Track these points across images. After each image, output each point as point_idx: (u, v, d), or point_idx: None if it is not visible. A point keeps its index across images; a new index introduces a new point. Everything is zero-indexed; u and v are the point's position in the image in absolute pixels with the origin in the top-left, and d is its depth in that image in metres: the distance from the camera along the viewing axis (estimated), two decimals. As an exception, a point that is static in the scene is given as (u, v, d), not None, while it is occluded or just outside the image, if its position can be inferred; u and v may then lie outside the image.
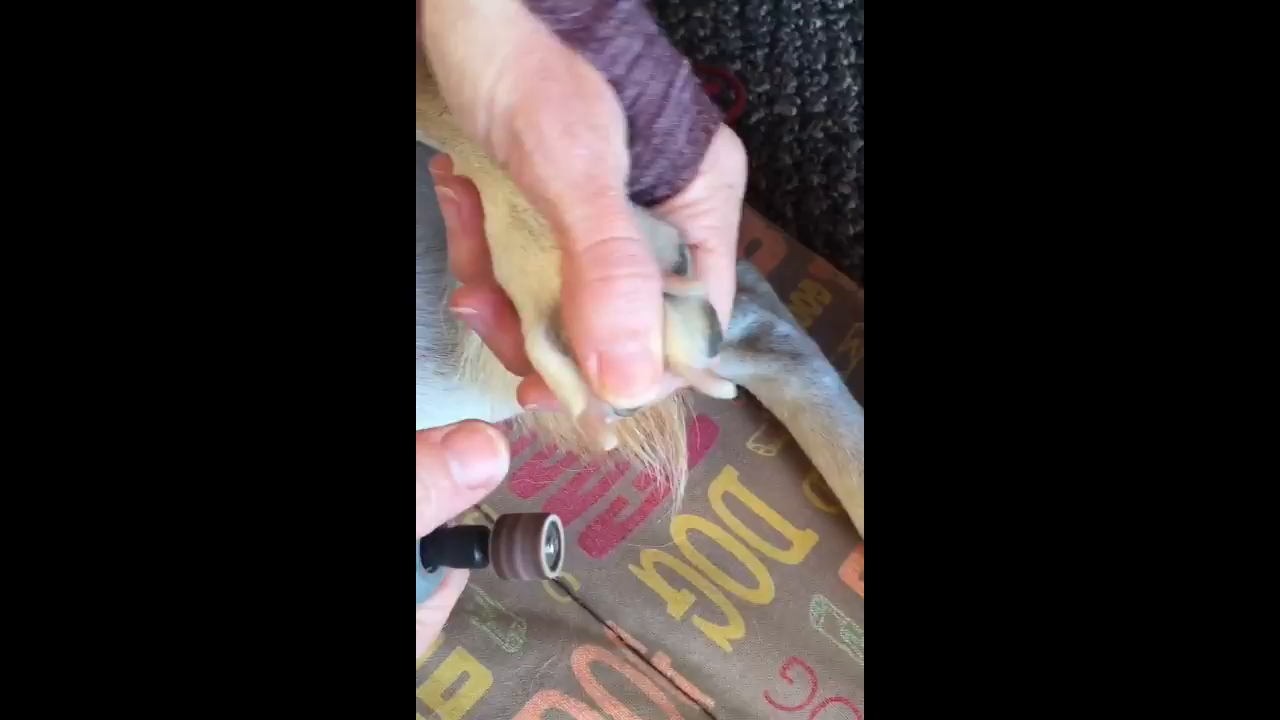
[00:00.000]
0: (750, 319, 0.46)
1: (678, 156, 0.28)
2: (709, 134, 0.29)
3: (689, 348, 0.27)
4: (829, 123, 0.62)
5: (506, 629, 0.40)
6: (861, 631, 0.42)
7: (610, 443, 0.28)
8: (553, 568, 0.27)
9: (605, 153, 0.26)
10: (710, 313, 0.28)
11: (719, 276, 0.30)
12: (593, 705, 0.38)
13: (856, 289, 0.52)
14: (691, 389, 0.30)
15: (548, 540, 0.27)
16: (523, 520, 0.27)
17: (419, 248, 0.44)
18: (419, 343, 0.43)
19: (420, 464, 0.25)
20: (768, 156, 0.61)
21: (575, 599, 0.42)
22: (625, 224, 0.26)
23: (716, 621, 0.42)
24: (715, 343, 0.28)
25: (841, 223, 0.58)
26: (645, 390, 0.27)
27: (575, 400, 0.29)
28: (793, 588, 0.43)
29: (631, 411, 0.28)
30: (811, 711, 0.40)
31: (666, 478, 0.41)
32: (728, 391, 0.28)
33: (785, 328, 0.46)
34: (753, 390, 0.46)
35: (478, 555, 0.27)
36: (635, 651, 0.41)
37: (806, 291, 0.52)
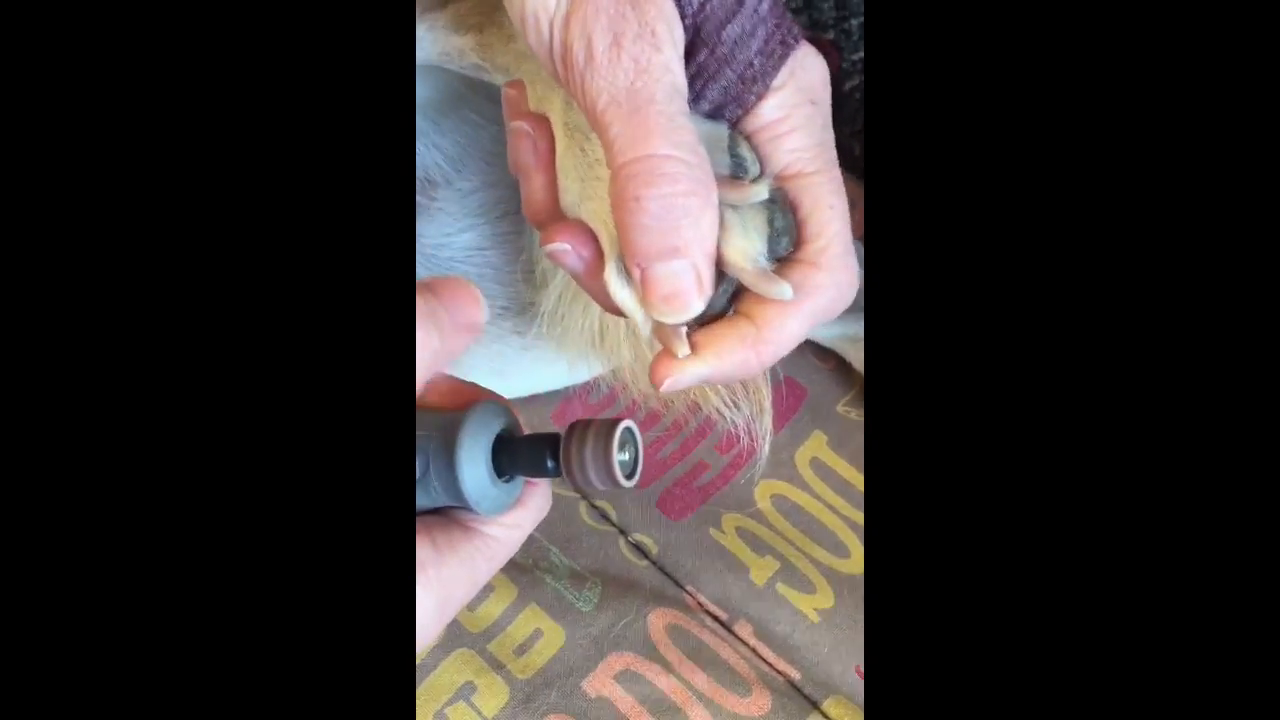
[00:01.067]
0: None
1: (746, 69, 0.27)
2: (786, 48, 0.27)
3: (744, 248, 0.26)
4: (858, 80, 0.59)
5: (581, 588, 0.39)
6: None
7: (683, 351, 0.26)
8: (629, 476, 0.26)
9: (652, 62, 0.25)
10: (771, 207, 0.26)
11: (815, 197, 0.27)
12: (669, 669, 0.37)
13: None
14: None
15: (621, 446, 0.25)
16: (595, 425, 0.25)
17: (497, 210, 0.44)
18: (496, 302, 0.43)
19: (420, 309, 0.24)
20: (863, 123, 0.58)
21: (653, 562, 0.40)
22: (662, 139, 0.25)
23: (803, 590, 0.39)
24: (777, 242, 0.26)
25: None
26: (686, 306, 0.26)
27: (642, 323, 0.27)
28: (887, 558, 0.40)
29: (710, 311, 0.26)
30: (907, 689, 0.37)
31: (751, 437, 0.39)
32: (785, 293, 0.26)
33: (877, 284, 0.44)
34: (840, 351, 0.44)
35: (550, 463, 0.26)
36: (715, 618, 0.39)
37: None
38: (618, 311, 0.28)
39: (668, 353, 0.27)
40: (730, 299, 0.27)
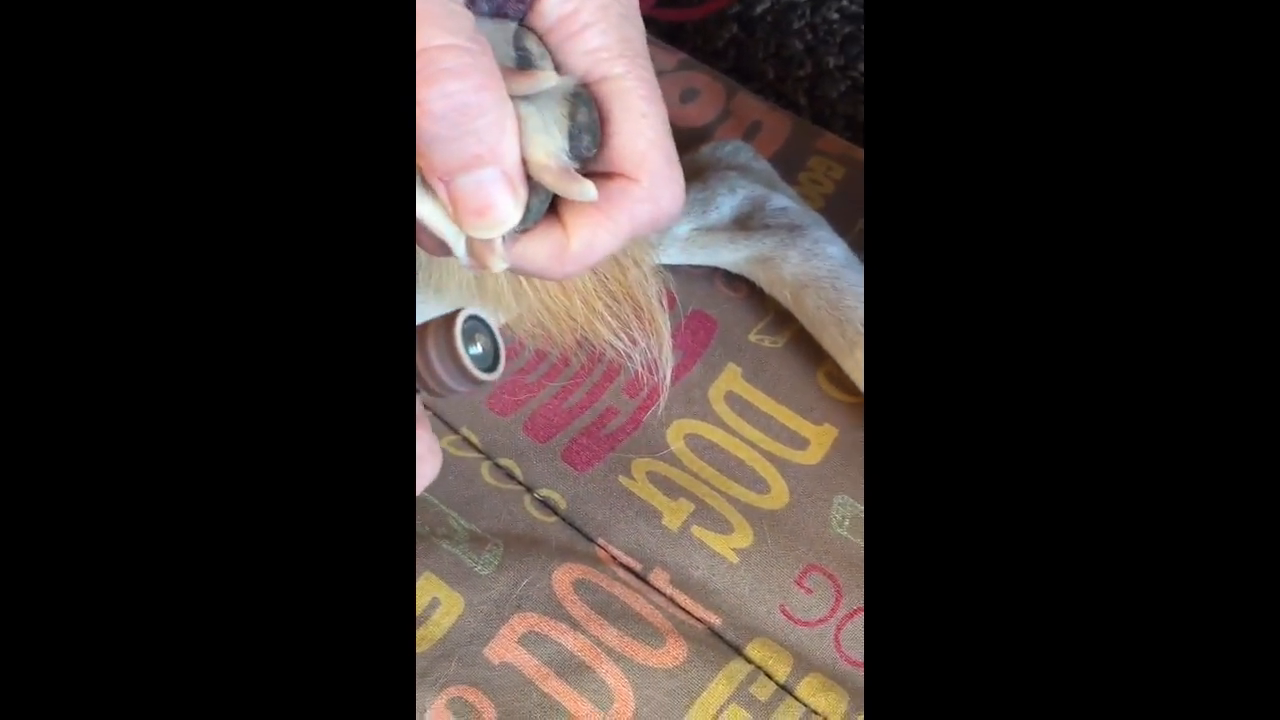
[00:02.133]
0: (739, 196, 0.41)
1: None
2: None
3: (545, 144, 0.23)
4: (845, 1, 0.56)
5: (480, 551, 0.36)
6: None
7: (500, 265, 0.24)
8: (489, 370, 0.23)
9: None
10: (573, 100, 0.24)
11: (624, 104, 0.24)
12: (576, 626, 0.34)
13: (875, 162, 0.46)
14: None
15: (469, 338, 0.23)
16: (432, 324, 0.23)
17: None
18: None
19: None
20: (776, 45, 0.55)
21: (561, 517, 0.38)
22: (436, 27, 0.22)
23: (719, 530, 0.36)
24: (579, 139, 0.24)
25: (863, 103, 0.52)
26: (503, 218, 0.23)
27: (454, 240, 0.25)
28: (810, 489, 0.37)
29: (523, 222, 0.24)
30: (837, 625, 0.34)
31: (650, 369, 0.37)
32: (589, 193, 0.23)
33: (781, 200, 0.41)
34: (750, 276, 0.41)
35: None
36: (629, 570, 0.36)
37: (815, 169, 0.46)
38: (440, 249, 0.25)
39: (480, 265, 0.24)
40: (543, 209, 0.25)
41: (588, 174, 0.25)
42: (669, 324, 0.37)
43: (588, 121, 0.24)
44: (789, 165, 0.45)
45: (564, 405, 0.40)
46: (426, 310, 0.39)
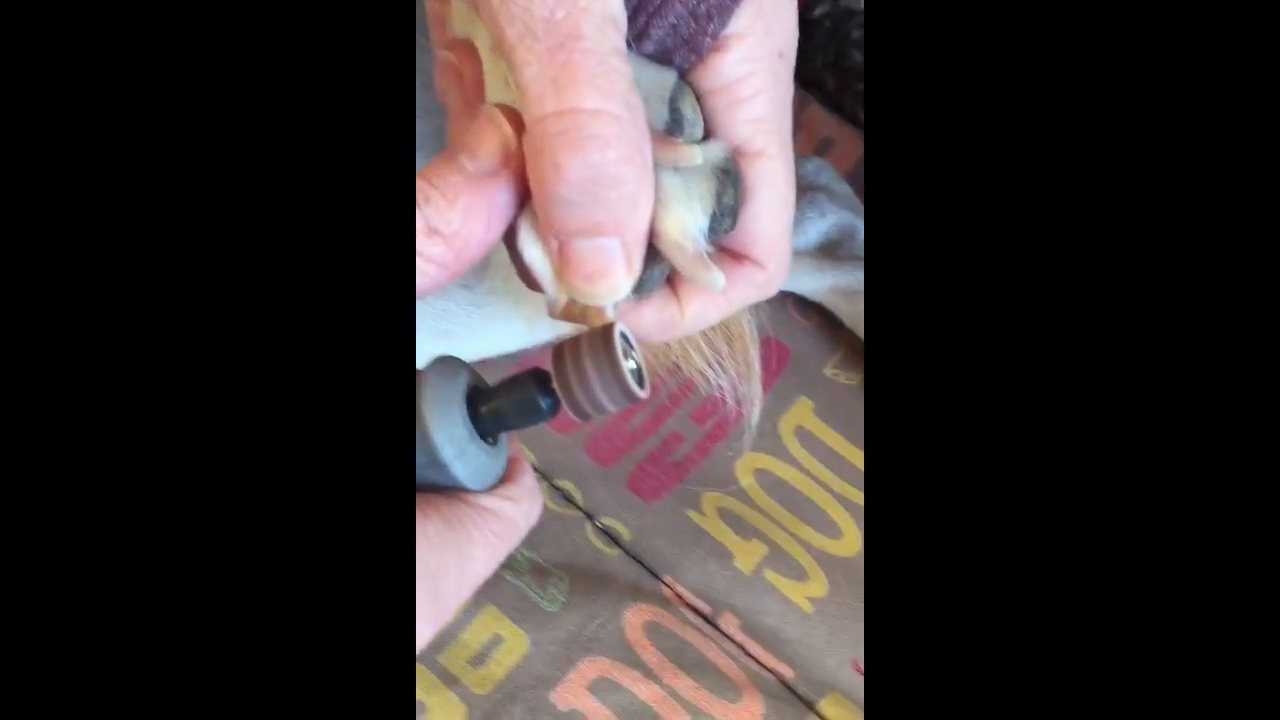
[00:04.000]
0: (829, 221, 0.39)
1: (699, 2, 0.21)
2: None
3: (684, 222, 0.21)
4: (903, 15, 0.55)
5: (545, 584, 0.34)
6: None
7: (608, 315, 0.22)
8: (640, 385, 0.21)
9: None
10: (725, 179, 0.22)
11: (770, 186, 0.23)
12: (649, 675, 0.32)
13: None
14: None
15: (624, 354, 0.21)
16: (585, 338, 0.21)
17: (438, 143, 0.38)
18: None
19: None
20: (835, 54, 0.53)
21: (625, 550, 0.35)
22: (590, 88, 0.19)
23: (794, 577, 0.35)
24: (720, 221, 0.22)
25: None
26: (613, 289, 0.21)
27: (551, 293, 0.22)
28: (882, 538, 0.36)
29: (638, 291, 0.22)
30: (909, 683, 0.33)
31: (737, 402, 0.35)
32: (718, 284, 0.22)
33: (871, 232, 0.39)
34: (830, 306, 0.39)
35: (544, 402, 0.21)
36: (697, 612, 0.34)
37: (888, 197, 0.44)
38: (526, 280, 0.23)
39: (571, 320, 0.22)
40: (663, 279, 0.23)
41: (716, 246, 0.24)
42: (759, 355, 0.35)
43: (733, 204, 0.23)
44: (859, 188, 0.44)
45: (627, 426, 0.38)
46: (500, 319, 0.36)
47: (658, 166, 0.21)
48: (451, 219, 0.20)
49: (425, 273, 0.20)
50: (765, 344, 0.39)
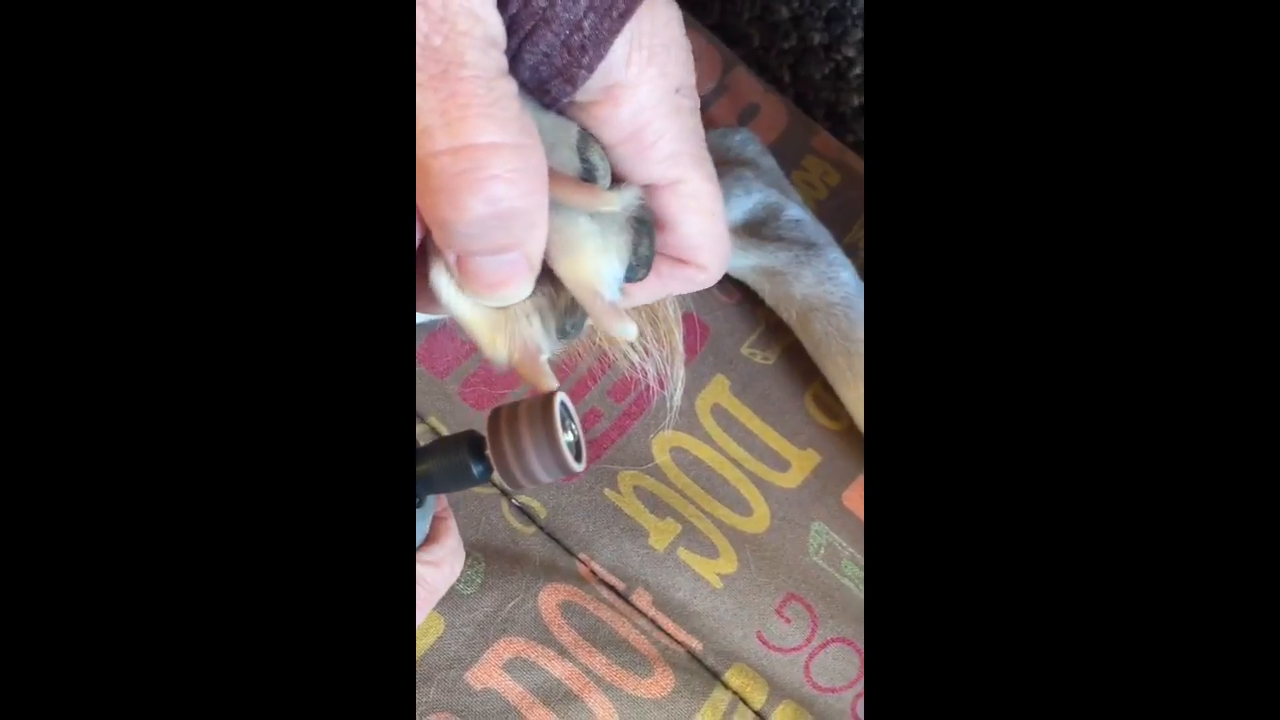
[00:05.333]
0: (755, 199, 0.39)
1: (573, 32, 0.20)
2: (629, 4, 0.20)
3: (598, 271, 0.21)
4: (832, -29, 0.54)
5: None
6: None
7: (551, 383, 0.22)
8: (578, 458, 0.22)
9: (452, 9, 0.18)
10: (641, 228, 0.22)
11: (694, 206, 0.23)
12: (563, 653, 0.33)
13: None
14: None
15: (563, 425, 0.21)
16: (524, 407, 0.21)
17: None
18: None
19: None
20: (762, 8, 0.52)
21: (541, 528, 0.36)
22: (484, 119, 0.19)
23: (705, 554, 0.36)
24: (637, 269, 0.22)
25: (845, 91, 0.51)
26: (516, 294, 0.21)
27: (493, 344, 0.22)
28: (790, 515, 0.38)
29: (565, 336, 0.23)
30: (810, 654, 0.35)
31: (660, 383, 0.35)
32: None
33: (796, 211, 0.39)
34: (754, 286, 0.39)
35: (476, 469, 0.21)
36: (611, 588, 0.35)
37: (811, 170, 0.44)
38: (424, 308, 0.23)
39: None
40: (586, 325, 0.23)
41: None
42: (683, 335, 0.35)
43: (648, 255, 0.22)
44: (783, 160, 0.43)
45: (545, 402, 0.38)
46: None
47: (574, 212, 0.21)
48: None
49: None
50: (686, 321, 0.39)
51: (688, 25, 0.48)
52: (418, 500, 0.21)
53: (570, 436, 0.21)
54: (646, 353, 0.34)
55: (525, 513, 0.36)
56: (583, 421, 0.38)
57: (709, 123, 0.44)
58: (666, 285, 0.25)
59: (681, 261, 0.24)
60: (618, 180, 0.23)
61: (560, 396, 0.21)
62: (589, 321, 0.23)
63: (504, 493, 0.36)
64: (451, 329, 0.37)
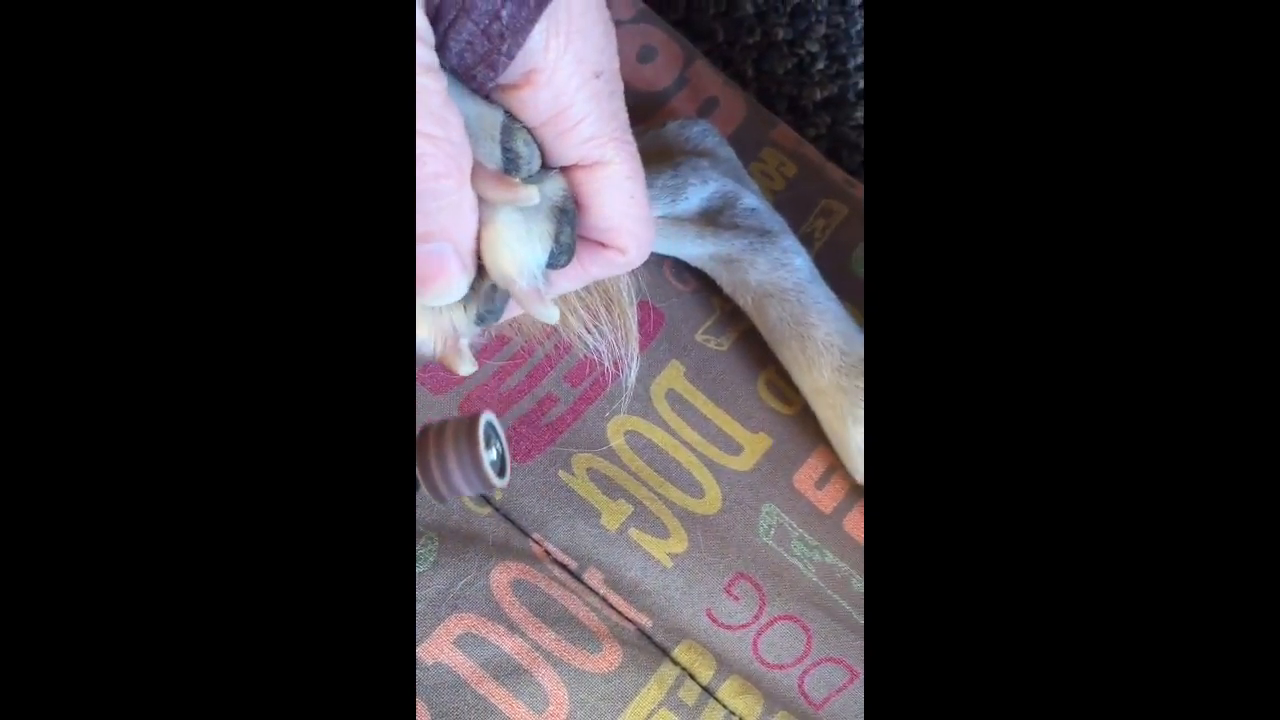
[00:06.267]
0: (711, 188, 0.40)
1: (491, 21, 0.21)
2: None
3: (521, 258, 0.22)
4: (796, -34, 0.54)
5: (416, 546, 0.35)
6: (815, 544, 0.38)
7: (470, 368, 0.23)
8: (500, 474, 0.23)
9: None
10: (562, 217, 0.23)
11: (612, 189, 0.24)
12: (514, 629, 0.34)
13: (823, 162, 0.46)
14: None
15: (487, 444, 0.23)
16: (450, 426, 0.22)
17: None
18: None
19: None
20: (727, 4, 0.53)
21: (496, 509, 0.37)
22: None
23: (656, 534, 0.37)
24: (559, 256, 0.23)
25: (807, 85, 0.52)
26: (449, 289, 0.22)
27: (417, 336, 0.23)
28: (741, 496, 0.38)
29: (483, 321, 0.23)
30: (758, 631, 0.36)
31: (615, 365, 0.36)
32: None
33: (751, 200, 0.40)
34: (711, 273, 0.40)
35: None
36: (564, 568, 0.36)
37: (768, 162, 0.45)
38: None
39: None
40: (505, 308, 0.24)
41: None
42: (636, 319, 0.36)
43: (569, 243, 0.23)
44: (741, 151, 0.44)
45: (501, 388, 0.38)
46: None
47: (496, 205, 0.22)
48: None
49: None
50: (641, 308, 0.40)
51: (651, 21, 0.50)
52: None
53: (494, 455, 0.23)
54: (600, 333, 0.35)
55: (481, 495, 0.37)
56: (539, 406, 0.39)
57: (670, 114, 0.45)
58: (587, 270, 0.25)
59: (601, 245, 0.25)
60: (544, 167, 0.24)
61: (486, 416, 0.23)
62: (508, 307, 0.24)
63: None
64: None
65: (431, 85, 0.20)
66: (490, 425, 0.23)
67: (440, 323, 0.23)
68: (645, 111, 0.44)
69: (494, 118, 0.22)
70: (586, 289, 0.35)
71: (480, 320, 0.23)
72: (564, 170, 0.23)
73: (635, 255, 0.26)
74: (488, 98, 0.23)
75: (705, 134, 0.42)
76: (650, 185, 0.40)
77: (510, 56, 0.21)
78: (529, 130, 0.23)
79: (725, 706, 0.35)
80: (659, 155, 0.40)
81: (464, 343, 0.23)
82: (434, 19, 0.21)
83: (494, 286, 0.23)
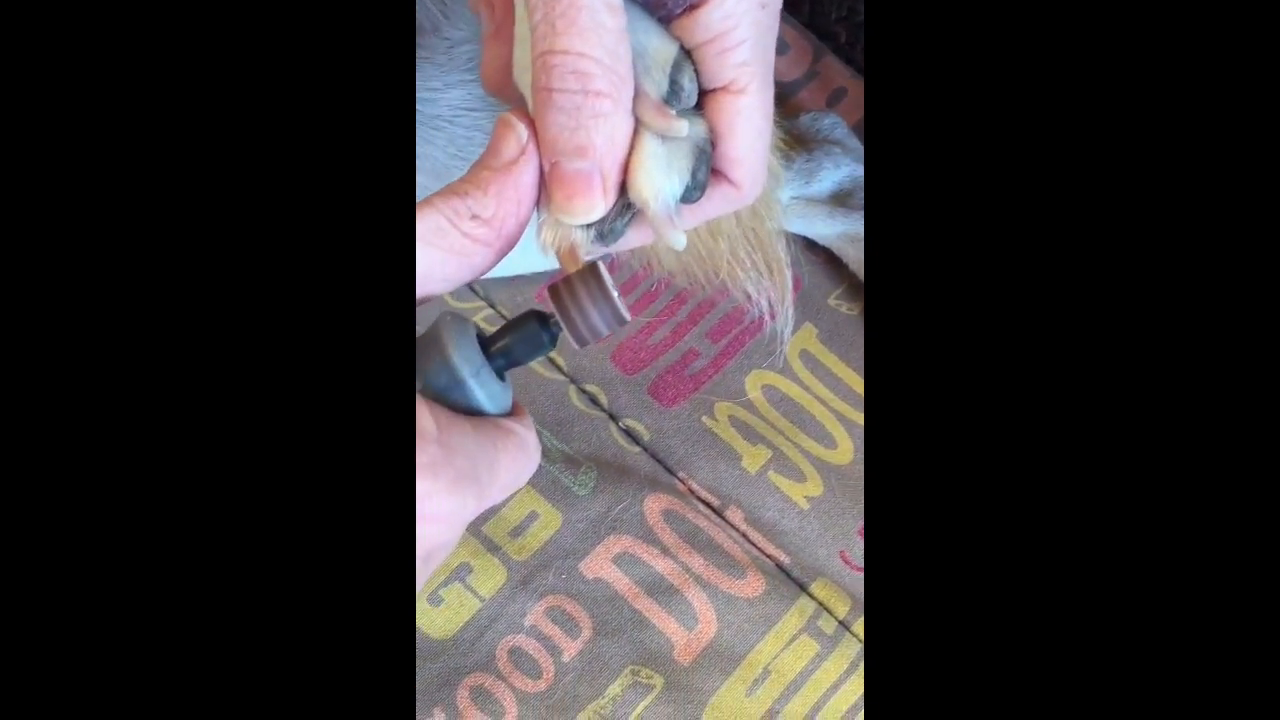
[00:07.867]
0: (843, 172, 0.43)
1: None
2: None
3: (660, 186, 0.24)
4: (914, -22, 0.58)
5: (576, 472, 0.38)
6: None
7: (580, 259, 0.25)
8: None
9: None
10: (701, 156, 0.25)
11: (748, 119, 0.26)
12: (666, 552, 0.37)
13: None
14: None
15: (613, 284, 0.24)
16: (575, 276, 0.24)
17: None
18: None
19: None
20: (847, 9, 0.56)
21: (645, 448, 0.40)
22: (580, 38, 0.23)
23: (793, 478, 0.39)
24: (694, 191, 0.25)
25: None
26: (588, 209, 0.24)
27: (539, 234, 0.25)
28: (872, 450, 0.41)
29: (602, 239, 0.25)
30: (889, 573, 0.38)
31: (771, 315, 0.39)
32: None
33: (879, 178, 0.43)
34: (838, 252, 0.43)
35: (545, 335, 0.24)
36: (707, 504, 0.39)
37: (893, 148, 0.48)
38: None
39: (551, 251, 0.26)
40: (625, 232, 0.26)
41: None
42: (791, 278, 0.39)
43: (703, 181, 0.25)
44: (868, 139, 0.47)
45: (649, 341, 0.42)
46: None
47: (647, 131, 0.24)
48: (488, 204, 0.24)
49: (474, 251, 0.24)
50: (777, 274, 0.43)
51: (782, 20, 0.53)
52: (501, 375, 0.25)
53: (617, 294, 0.24)
54: (762, 290, 0.39)
55: (630, 434, 0.40)
56: (683, 359, 0.42)
57: (800, 106, 0.48)
58: (703, 207, 0.26)
59: (722, 176, 0.26)
60: (702, 98, 0.26)
61: (598, 260, 0.24)
62: (628, 229, 0.26)
63: (612, 416, 0.40)
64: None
65: (609, 23, 0.23)
66: (605, 271, 0.25)
67: (564, 233, 0.25)
68: (779, 102, 0.48)
69: (668, 51, 0.25)
70: (754, 248, 0.38)
71: (600, 237, 0.25)
72: (711, 96, 0.26)
73: (749, 192, 0.27)
74: (669, 28, 0.25)
75: (835, 126, 0.45)
76: (787, 168, 0.43)
77: None
78: (692, 55, 0.25)
79: (861, 642, 0.37)
80: (794, 142, 0.44)
81: (582, 254, 0.25)
82: None
83: (620, 210, 0.25)
